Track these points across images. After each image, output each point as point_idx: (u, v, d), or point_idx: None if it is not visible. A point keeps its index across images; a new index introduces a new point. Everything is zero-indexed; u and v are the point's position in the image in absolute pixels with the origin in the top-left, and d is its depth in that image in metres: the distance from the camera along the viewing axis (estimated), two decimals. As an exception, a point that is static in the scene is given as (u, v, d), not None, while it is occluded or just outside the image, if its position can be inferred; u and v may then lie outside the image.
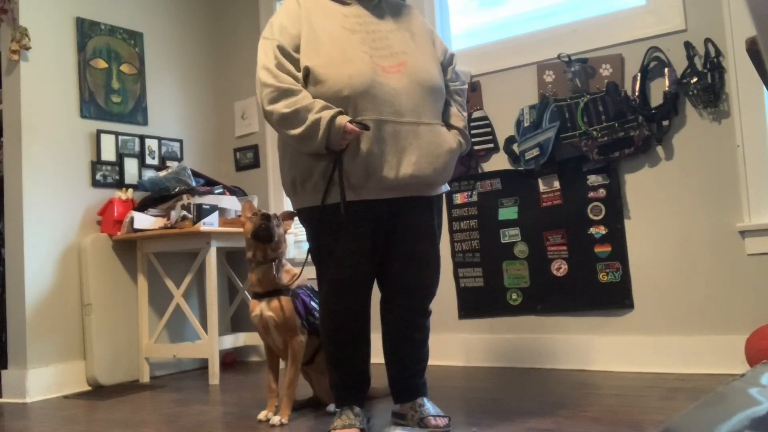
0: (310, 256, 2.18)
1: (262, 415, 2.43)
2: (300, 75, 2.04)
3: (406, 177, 2.03)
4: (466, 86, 2.34)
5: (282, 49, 2.05)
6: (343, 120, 1.95)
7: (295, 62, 2.05)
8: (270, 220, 2.44)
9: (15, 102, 3.41)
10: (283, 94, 1.99)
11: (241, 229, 3.66)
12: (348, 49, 2.03)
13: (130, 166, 3.86)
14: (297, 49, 2.06)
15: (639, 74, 2.95)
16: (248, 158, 4.33)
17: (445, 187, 2.26)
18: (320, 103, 1.98)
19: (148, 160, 3.96)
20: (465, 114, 2.28)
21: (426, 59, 2.15)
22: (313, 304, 2.48)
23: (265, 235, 2.42)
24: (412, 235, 2.13)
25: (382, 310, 2.21)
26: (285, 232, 2.54)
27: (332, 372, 2.21)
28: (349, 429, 2.06)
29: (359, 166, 1.99)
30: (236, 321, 4.23)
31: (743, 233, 2.75)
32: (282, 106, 1.98)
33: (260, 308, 2.45)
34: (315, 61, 2.01)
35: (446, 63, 2.28)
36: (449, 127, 2.21)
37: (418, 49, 2.16)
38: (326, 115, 1.94)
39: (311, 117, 1.95)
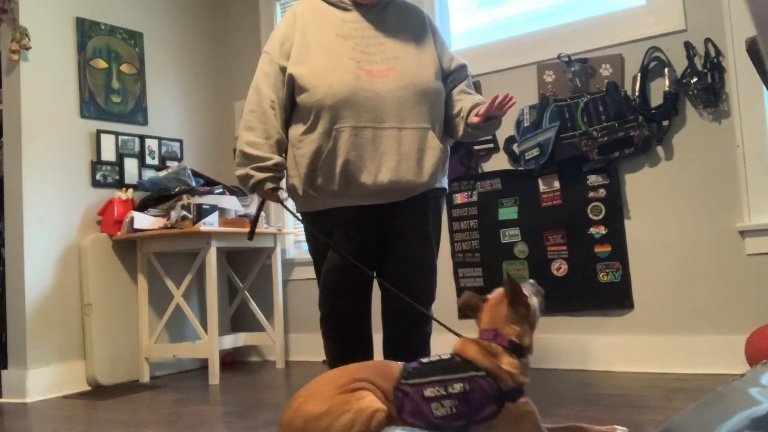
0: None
1: None
2: (281, 97, 2.13)
3: (385, 183, 2.04)
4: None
5: (272, 64, 2.13)
6: (267, 187, 2.08)
7: (284, 76, 2.14)
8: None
9: (15, 102, 3.41)
10: (250, 127, 2.11)
11: (240, 230, 3.67)
12: (335, 58, 2.07)
13: (130, 166, 3.86)
14: (288, 58, 2.15)
15: (639, 74, 2.95)
16: (248, 158, 4.33)
17: (441, 183, 2.20)
18: (263, 160, 2.07)
19: (148, 160, 3.96)
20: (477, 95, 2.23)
21: (421, 62, 2.13)
22: None
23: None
24: (407, 238, 2.14)
25: (382, 311, 2.22)
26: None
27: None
28: None
29: (338, 174, 2.04)
30: (236, 321, 4.23)
31: (743, 233, 2.75)
32: (244, 139, 2.11)
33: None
34: (302, 71, 2.09)
35: (452, 71, 2.23)
36: (475, 107, 2.14)
37: (416, 52, 2.14)
38: (259, 176, 2.08)
39: (246, 170, 2.09)
